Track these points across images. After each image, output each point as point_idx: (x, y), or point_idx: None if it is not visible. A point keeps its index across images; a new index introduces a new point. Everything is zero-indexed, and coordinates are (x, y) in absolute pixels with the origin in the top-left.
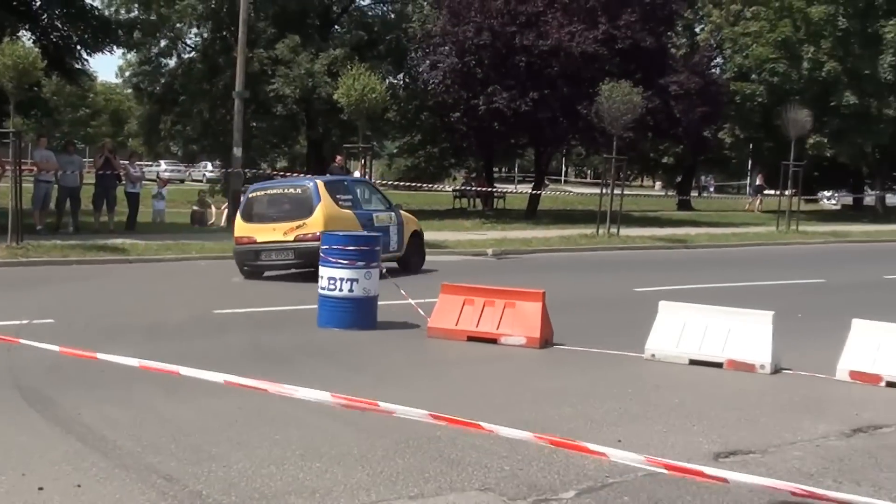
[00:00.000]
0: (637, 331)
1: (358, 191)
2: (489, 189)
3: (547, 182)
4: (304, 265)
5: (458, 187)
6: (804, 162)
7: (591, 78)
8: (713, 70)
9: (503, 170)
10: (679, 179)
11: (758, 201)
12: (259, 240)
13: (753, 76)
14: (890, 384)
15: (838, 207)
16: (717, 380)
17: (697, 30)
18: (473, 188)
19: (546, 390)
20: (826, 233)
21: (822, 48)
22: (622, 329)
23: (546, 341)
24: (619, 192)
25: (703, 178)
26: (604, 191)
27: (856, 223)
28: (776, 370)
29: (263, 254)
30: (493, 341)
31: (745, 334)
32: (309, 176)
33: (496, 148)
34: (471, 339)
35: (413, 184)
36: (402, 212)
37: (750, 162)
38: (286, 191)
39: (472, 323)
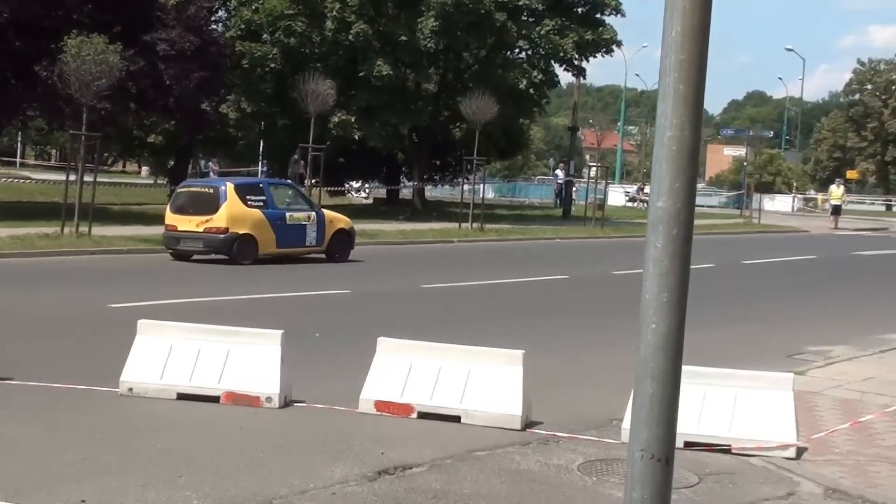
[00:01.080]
0: (112, 359)
1: (275, 193)
2: None
3: None
4: (211, 252)
5: None
6: (326, 144)
7: (55, 30)
8: (214, 27)
9: None
10: (172, 164)
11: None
12: (180, 228)
13: (265, 36)
14: (423, 415)
15: (370, 201)
16: (213, 418)
17: None
18: None
19: None
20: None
21: (349, 5)
22: (92, 357)
23: None
24: (93, 179)
25: (202, 162)
26: (72, 177)
27: (390, 220)
28: (286, 403)
29: (182, 241)
30: None
31: (248, 360)
32: (223, 178)
33: None
34: None
35: None
36: (327, 212)
37: (262, 143)
38: (203, 189)
39: None
